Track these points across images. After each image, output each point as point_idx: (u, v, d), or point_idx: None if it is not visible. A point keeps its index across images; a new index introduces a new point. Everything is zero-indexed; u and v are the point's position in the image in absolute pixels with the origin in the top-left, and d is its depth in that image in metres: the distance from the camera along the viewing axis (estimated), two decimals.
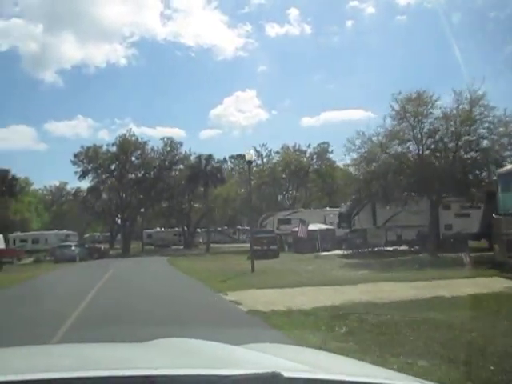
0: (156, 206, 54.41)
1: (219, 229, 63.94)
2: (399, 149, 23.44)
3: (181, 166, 51.34)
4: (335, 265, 19.80)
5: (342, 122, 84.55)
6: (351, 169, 25.13)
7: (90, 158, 47.88)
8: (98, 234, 72.50)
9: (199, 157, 46.59)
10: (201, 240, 59.13)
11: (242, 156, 52.82)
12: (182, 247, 52.62)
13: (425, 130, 23.11)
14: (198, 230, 58.15)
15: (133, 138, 49.07)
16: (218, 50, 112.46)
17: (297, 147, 45.50)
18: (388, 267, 17.16)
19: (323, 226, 29.84)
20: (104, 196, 52.31)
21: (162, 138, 50.90)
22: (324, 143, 43.91)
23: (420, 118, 22.97)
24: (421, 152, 23.28)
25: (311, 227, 26.78)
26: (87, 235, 66.48)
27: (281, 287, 12.07)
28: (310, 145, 44.49)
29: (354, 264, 19.92)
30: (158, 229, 66.64)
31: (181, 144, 51.15)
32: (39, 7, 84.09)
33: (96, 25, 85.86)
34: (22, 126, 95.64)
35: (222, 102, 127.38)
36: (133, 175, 51.05)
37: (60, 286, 16.19)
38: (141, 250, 48.62)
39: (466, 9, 68.57)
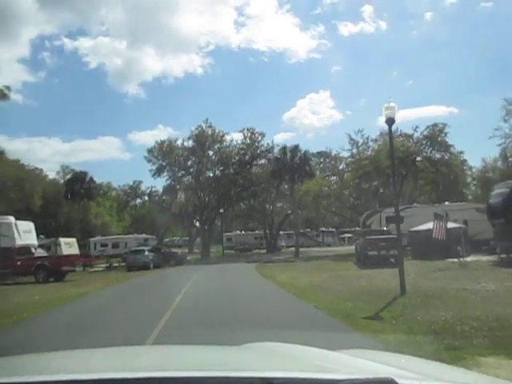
0: (236, 207, 49.54)
1: (301, 231, 58.07)
2: None
3: (263, 161, 45.95)
4: None
5: (422, 120, 76.03)
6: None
7: (164, 154, 43.90)
8: (178, 237, 69.69)
9: (284, 148, 40.61)
10: (283, 243, 53.82)
11: (322, 154, 46.37)
12: (264, 251, 47.51)
13: None
14: (281, 232, 52.69)
15: (209, 130, 44.35)
16: (290, 53, 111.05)
17: (398, 132, 37.86)
18: None
19: (459, 225, 22.52)
20: (181, 196, 48.42)
21: (241, 130, 45.66)
22: (436, 124, 35.74)
23: None
24: None
25: (449, 225, 19.65)
26: (167, 239, 63.75)
27: None
28: (416, 128, 36.58)
29: None
30: (238, 232, 62.31)
31: (263, 135, 45.67)
32: (123, 25, 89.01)
33: (174, 37, 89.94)
34: (109, 137, 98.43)
35: (295, 104, 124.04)
36: (210, 172, 46.54)
37: (97, 323, 9.98)
38: (221, 255, 43.86)
39: None
